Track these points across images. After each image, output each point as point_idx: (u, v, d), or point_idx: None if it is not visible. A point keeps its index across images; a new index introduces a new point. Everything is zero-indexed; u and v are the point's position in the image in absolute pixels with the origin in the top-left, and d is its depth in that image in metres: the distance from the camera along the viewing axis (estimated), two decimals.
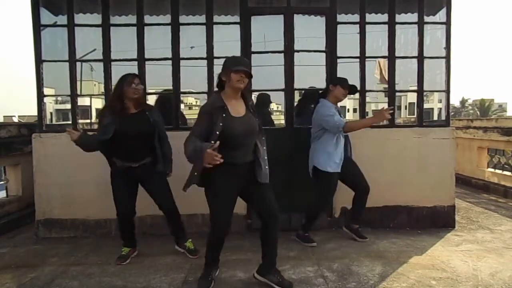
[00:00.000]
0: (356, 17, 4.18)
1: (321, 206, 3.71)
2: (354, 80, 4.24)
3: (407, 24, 4.29)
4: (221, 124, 2.52)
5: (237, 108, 2.63)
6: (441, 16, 4.32)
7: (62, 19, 4.13)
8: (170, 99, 4.16)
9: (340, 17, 4.16)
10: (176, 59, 4.06)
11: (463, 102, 57.96)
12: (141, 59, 4.06)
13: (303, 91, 4.51)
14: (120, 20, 4.23)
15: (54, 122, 19.92)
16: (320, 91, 3.80)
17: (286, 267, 2.93)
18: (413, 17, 4.25)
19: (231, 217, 2.69)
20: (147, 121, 3.23)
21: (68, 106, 5.66)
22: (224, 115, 2.55)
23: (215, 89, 2.78)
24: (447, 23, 4.16)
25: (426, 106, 4.36)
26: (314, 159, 3.59)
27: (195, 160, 2.49)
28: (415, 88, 4.23)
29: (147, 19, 4.13)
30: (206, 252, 2.80)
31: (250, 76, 2.62)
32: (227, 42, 4.19)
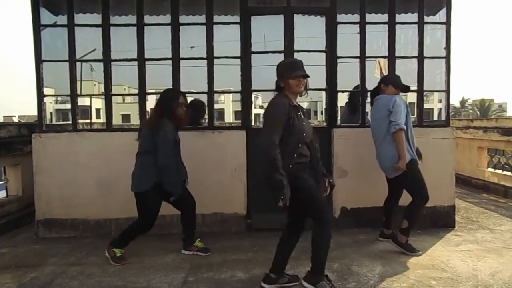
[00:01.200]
0: (356, 17, 4.18)
1: (424, 200, 3.42)
2: (354, 80, 4.25)
3: (407, 24, 4.30)
4: (297, 122, 2.59)
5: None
6: (441, 16, 4.33)
7: (62, 19, 4.14)
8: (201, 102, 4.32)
9: (340, 17, 4.16)
10: (176, 59, 4.06)
11: (463, 102, 57.97)
12: (141, 59, 4.06)
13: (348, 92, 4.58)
14: (120, 20, 4.23)
15: (54, 122, 19.94)
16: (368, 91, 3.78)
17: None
18: (413, 17, 4.25)
19: None
20: None
21: (68, 106, 5.66)
22: (298, 113, 2.63)
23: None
24: (447, 23, 4.16)
25: (426, 106, 4.36)
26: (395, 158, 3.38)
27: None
28: (415, 88, 4.23)
29: (147, 19, 4.13)
30: (324, 255, 2.64)
31: (307, 77, 2.65)
32: (227, 42, 4.19)
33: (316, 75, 4.22)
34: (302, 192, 2.57)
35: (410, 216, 3.42)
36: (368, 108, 4.43)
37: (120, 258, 3.31)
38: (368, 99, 4.43)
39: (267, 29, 4.31)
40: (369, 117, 4.42)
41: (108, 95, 4.14)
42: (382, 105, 3.49)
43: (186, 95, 3.60)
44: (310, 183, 2.62)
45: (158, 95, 3.44)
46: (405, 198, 3.61)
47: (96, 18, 4.08)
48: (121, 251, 3.35)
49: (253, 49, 4.08)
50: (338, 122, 4.42)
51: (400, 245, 3.43)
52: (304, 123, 2.64)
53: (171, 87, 4.10)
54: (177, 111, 3.30)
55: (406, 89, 3.71)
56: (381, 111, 3.50)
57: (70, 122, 4.27)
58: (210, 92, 4.12)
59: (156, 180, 3.19)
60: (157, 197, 3.30)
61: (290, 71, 2.61)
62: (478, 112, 52.36)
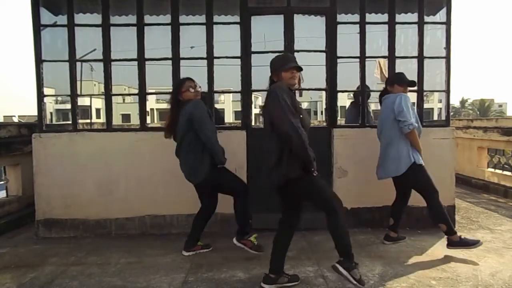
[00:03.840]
0: (356, 17, 4.18)
1: (437, 196, 3.38)
2: (354, 80, 4.26)
3: (407, 24, 4.30)
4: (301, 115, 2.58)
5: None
6: (441, 16, 4.33)
7: (62, 19, 4.14)
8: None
9: (340, 17, 4.16)
10: (176, 59, 4.06)
11: (463, 102, 57.98)
12: (141, 59, 4.06)
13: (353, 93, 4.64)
14: (120, 20, 4.23)
15: (54, 122, 19.95)
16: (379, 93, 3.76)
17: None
18: (413, 17, 4.25)
19: None
20: None
21: (68, 106, 5.66)
22: (300, 106, 2.62)
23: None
24: (447, 23, 4.16)
25: (426, 106, 4.36)
26: (407, 156, 3.37)
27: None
28: (415, 88, 4.22)
29: (147, 19, 4.13)
30: (347, 240, 2.61)
31: (300, 70, 2.64)
32: (227, 42, 4.19)
33: (316, 75, 4.23)
34: (311, 187, 2.59)
35: (438, 217, 3.39)
36: (369, 108, 4.45)
37: (259, 246, 3.30)
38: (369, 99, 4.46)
39: (267, 29, 4.31)
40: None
41: (108, 95, 4.14)
42: (387, 106, 3.49)
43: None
44: (314, 177, 2.61)
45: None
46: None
47: (96, 18, 4.08)
48: (255, 235, 3.33)
49: (253, 49, 4.08)
50: (338, 122, 4.42)
51: (458, 244, 3.35)
52: (301, 115, 2.61)
53: (171, 87, 4.09)
54: (184, 96, 3.28)
55: (412, 84, 3.68)
56: (386, 112, 3.50)
57: (70, 122, 4.27)
58: (210, 92, 4.11)
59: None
60: (220, 171, 3.31)
61: (283, 64, 2.61)
62: (477, 112, 52.37)
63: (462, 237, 3.37)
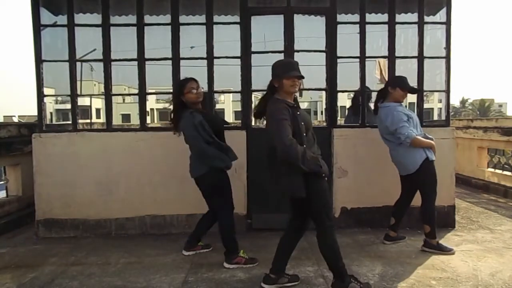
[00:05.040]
0: (356, 17, 4.18)
1: (434, 198, 3.41)
2: (354, 80, 4.26)
3: (407, 24, 4.30)
4: (302, 122, 2.56)
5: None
6: (441, 16, 4.33)
7: (62, 19, 4.14)
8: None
9: (340, 17, 4.16)
10: (176, 59, 4.07)
11: (463, 102, 58.00)
12: (141, 59, 4.06)
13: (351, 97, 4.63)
14: (120, 20, 4.23)
15: (54, 122, 19.94)
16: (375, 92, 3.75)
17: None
18: (413, 17, 4.25)
19: None
20: None
21: (68, 106, 5.66)
22: (298, 112, 2.60)
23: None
24: (447, 23, 4.16)
25: (426, 106, 4.36)
26: (419, 154, 3.36)
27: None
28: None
29: (147, 19, 4.13)
30: (340, 259, 2.60)
31: (302, 78, 2.64)
32: (227, 42, 4.19)
33: (316, 75, 4.23)
34: (316, 192, 2.56)
35: (427, 217, 3.42)
36: (366, 108, 4.43)
37: (252, 258, 3.21)
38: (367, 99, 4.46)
39: (267, 29, 4.31)
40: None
41: (108, 95, 4.14)
42: (381, 120, 3.50)
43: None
44: (325, 184, 2.61)
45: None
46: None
47: (96, 18, 4.08)
48: (242, 251, 3.24)
49: (253, 49, 4.08)
50: (338, 122, 4.42)
51: (433, 248, 3.40)
52: (302, 123, 2.58)
53: (171, 87, 4.10)
54: (187, 97, 3.20)
55: (414, 91, 3.66)
56: (381, 124, 3.52)
57: (70, 122, 4.27)
58: (210, 92, 4.11)
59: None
60: (222, 180, 3.22)
61: (286, 71, 2.59)
62: (477, 112, 52.39)
63: (440, 242, 3.43)
